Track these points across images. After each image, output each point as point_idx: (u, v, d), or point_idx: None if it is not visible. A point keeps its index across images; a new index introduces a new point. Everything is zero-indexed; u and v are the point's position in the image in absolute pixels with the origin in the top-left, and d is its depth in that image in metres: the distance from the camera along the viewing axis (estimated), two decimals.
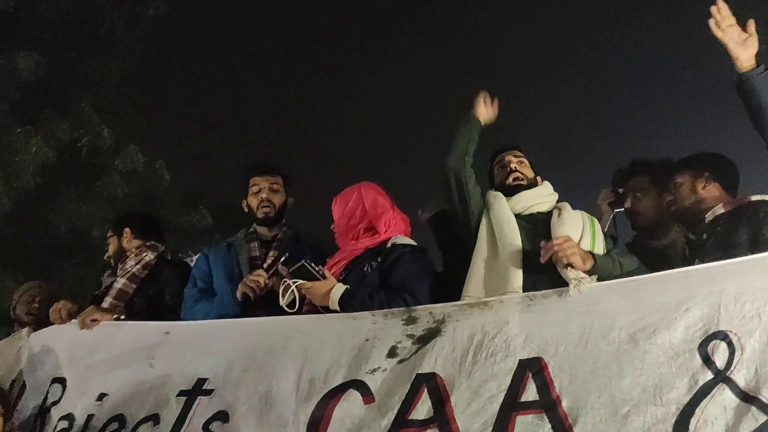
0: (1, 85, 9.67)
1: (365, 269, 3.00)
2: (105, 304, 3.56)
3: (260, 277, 3.15)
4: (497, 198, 3.08)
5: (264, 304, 3.17)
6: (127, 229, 3.94)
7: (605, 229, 3.49)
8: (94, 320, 3.36)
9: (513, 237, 2.88)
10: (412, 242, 3.14)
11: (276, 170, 3.59)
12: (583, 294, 2.30)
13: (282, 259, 3.24)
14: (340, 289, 2.87)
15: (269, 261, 3.36)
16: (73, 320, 3.46)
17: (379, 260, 3.01)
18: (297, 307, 2.91)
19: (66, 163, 10.13)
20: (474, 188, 3.07)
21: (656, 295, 2.19)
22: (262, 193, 3.50)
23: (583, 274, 2.52)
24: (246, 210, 3.58)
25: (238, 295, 3.15)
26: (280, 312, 3.02)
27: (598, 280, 2.58)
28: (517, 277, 2.76)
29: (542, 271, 2.66)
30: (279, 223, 3.54)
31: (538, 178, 3.23)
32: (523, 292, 2.64)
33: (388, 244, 3.08)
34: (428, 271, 3.04)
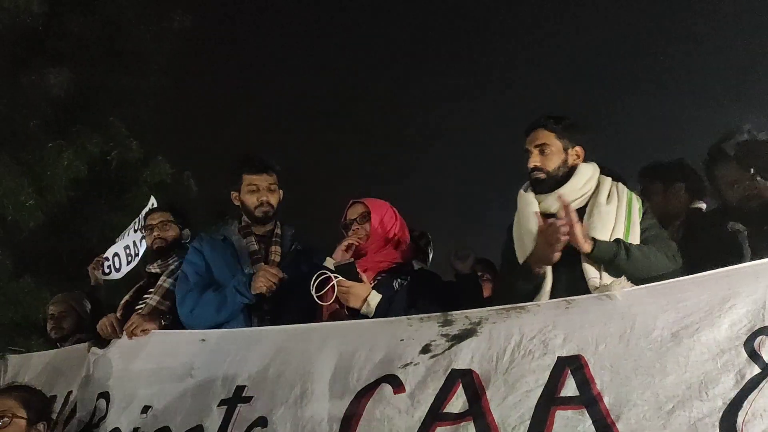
0: (32, 100, 9.87)
1: (394, 284, 3.06)
2: (152, 302, 3.58)
3: (275, 276, 3.17)
4: (527, 203, 2.96)
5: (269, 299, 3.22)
6: (187, 230, 3.98)
7: None
8: (144, 330, 3.36)
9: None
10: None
11: (271, 168, 3.52)
12: (622, 296, 2.29)
13: (290, 249, 3.34)
14: (376, 296, 2.93)
15: (273, 257, 3.39)
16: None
17: (408, 279, 3.09)
18: (329, 300, 2.94)
19: (96, 176, 10.30)
20: None
21: (697, 295, 2.18)
22: (261, 195, 3.46)
23: (607, 281, 2.55)
24: (236, 204, 3.53)
25: (253, 291, 3.17)
26: (286, 308, 3.14)
27: (599, 263, 2.62)
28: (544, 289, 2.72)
29: (572, 279, 2.66)
30: (273, 220, 3.54)
31: (576, 152, 2.98)
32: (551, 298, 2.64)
33: (416, 267, 3.20)
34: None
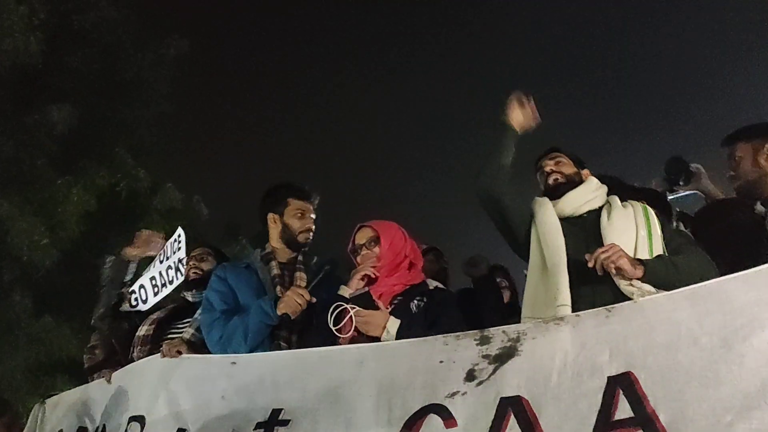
0: (37, 139, 9.91)
1: (410, 307, 3.00)
2: (186, 335, 3.56)
3: (303, 298, 3.12)
4: (541, 205, 3.01)
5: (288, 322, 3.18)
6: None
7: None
8: (179, 351, 3.37)
9: (557, 247, 2.80)
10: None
11: (313, 198, 3.58)
12: (664, 301, 2.21)
13: (321, 275, 3.28)
14: (395, 322, 2.89)
15: (298, 282, 3.34)
16: (154, 355, 3.51)
17: (424, 300, 3.03)
18: (349, 332, 2.91)
19: (107, 209, 10.33)
20: (512, 202, 3.01)
21: (742, 294, 2.09)
22: (307, 222, 3.49)
23: (644, 286, 2.48)
24: (273, 225, 3.52)
25: (279, 311, 3.13)
26: (305, 331, 3.12)
27: (654, 285, 2.51)
28: (563, 290, 2.67)
29: (596, 281, 2.57)
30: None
31: (584, 172, 3.15)
32: (575, 302, 2.59)
33: (431, 287, 3.13)
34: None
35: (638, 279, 2.51)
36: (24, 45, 9.31)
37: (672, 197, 3.87)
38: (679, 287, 2.31)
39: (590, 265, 2.55)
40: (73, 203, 9.67)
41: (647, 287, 2.49)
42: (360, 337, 2.93)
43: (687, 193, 3.90)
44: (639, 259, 2.59)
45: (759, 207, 2.99)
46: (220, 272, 3.55)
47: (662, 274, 2.54)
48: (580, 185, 3.06)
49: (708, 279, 2.33)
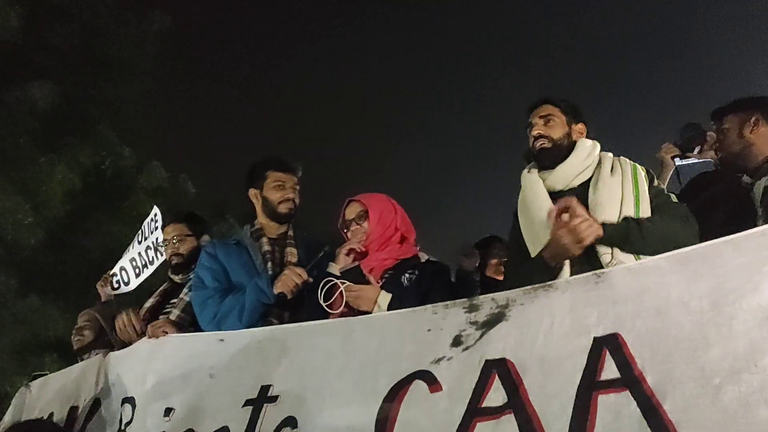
0: (19, 116, 9.75)
1: (402, 280, 2.98)
2: (172, 317, 3.53)
3: (300, 278, 3.10)
4: (530, 181, 2.89)
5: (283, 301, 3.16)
6: (207, 236, 3.92)
7: (666, 183, 3.42)
8: (164, 332, 3.32)
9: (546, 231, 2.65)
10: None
11: (295, 170, 3.55)
12: (655, 265, 2.18)
13: (321, 254, 3.22)
14: (386, 296, 2.87)
15: (289, 258, 3.32)
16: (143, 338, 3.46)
17: (416, 273, 3.00)
18: (339, 307, 2.89)
19: (92, 188, 10.21)
20: None
21: (734, 258, 2.04)
22: (288, 192, 3.46)
23: (620, 256, 2.47)
24: (255, 200, 3.50)
25: (276, 290, 3.12)
26: (298, 309, 3.08)
27: (612, 245, 2.51)
28: (564, 274, 2.57)
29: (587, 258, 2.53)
30: (290, 220, 3.52)
31: (577, 130, 2.96)
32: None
33: (423, 259, 3.10)
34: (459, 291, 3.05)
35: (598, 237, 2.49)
36: (3, 21, 9.13)
37: (681, 163, 3.81)
38: (647, 249, 2.33)
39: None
40: (57, 182, 9.56)
41: (622, 256, 2.49)
42: (351, 312, 2.90)
43: (698, 161, 3.84)
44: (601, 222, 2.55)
45: (745, 178, 2.99)
46: (209, 248, 3.51)
47: (621, 235, 2.52)
48: (570, 155, 2.87)
49: (685, 240, 2.31)
